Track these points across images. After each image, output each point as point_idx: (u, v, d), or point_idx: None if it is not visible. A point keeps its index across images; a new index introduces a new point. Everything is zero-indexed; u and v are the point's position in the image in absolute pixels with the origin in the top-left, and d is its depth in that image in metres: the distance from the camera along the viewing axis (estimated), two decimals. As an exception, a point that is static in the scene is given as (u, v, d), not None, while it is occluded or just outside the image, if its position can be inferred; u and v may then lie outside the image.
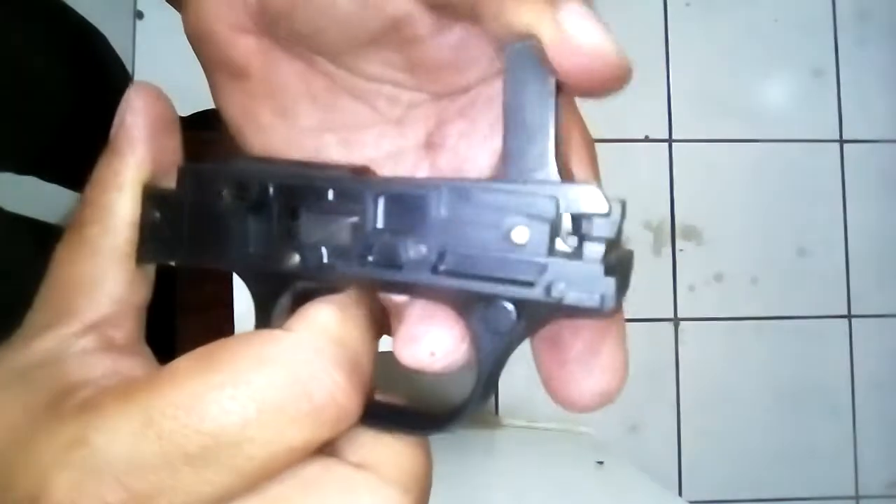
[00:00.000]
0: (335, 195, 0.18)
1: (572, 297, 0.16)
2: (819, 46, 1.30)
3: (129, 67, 0.96)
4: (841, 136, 1.29)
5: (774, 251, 1.27)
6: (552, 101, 0.17)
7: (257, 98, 0.22)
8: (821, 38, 1.30)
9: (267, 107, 0.22)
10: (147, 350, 0.21)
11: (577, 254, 0.16)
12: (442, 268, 0.17)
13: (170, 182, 0.21)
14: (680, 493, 1.21)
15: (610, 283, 0.16)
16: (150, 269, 0.21)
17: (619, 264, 0.16)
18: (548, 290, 0.16)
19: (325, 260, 0.18)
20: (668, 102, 1.27)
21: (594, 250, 0.16)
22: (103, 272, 0.19)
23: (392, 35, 0.19)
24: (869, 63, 1.30)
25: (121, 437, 0.16)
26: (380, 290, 0.19)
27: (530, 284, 0.16)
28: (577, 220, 0.16)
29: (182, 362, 0.17)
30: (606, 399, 0.18)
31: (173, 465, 0.15)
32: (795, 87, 1.31)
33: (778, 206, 1.27)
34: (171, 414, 0.16)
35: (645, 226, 1.25)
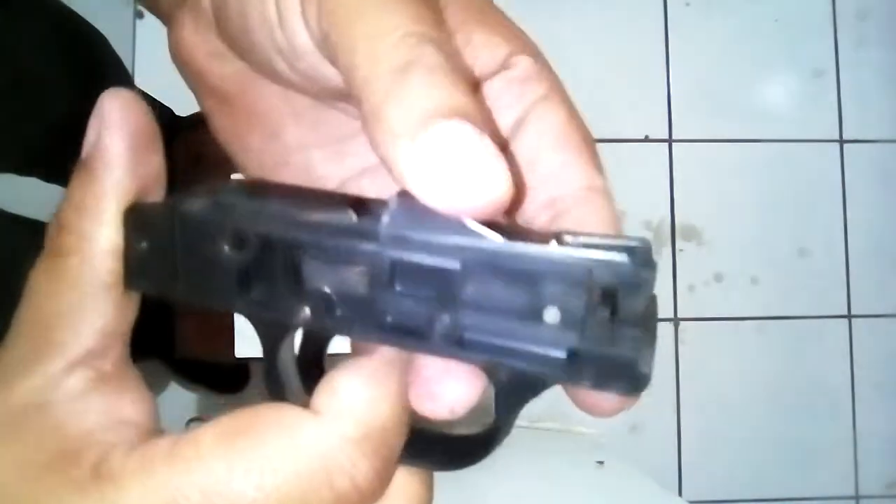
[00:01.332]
0: (345, 251, 0.16)
1: (604, 384, 0.15)
2: (819, 46, 1.30)
3: (129, 67, 0.96)
4: (841, 136, 1.29)
5: (774, 251, 1.27)
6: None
7: (242, 121, 0.22)
8: (821, 38, 1.30)
9: (253, 128, 0.22)
10: (134, 372, 0.19)
11: (609, 338, 0.15)
12: (468, 338, 0.16)
13: (155, 197, 0.19)
14: (680, 493, 1.21)
15: (642, 378, 0.15)
16: (136, 293, 0.20)
17: (649, 337, 0.15)
18: (579, 373, 0.15)
19: (339, 313, 0.17)
20: (668, 102, 1.27)
21: (628, 336, 0.15)
22: (87, 304, 0.18)
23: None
24: (869, 63, 1.30)
25: None
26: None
27: (562, 364, 0.15)
28: (608, 290, 0.15)
29: (207, 436, 0.16)
30: (630, 403, 0.18)
31: None
32: (795, 87, 1.31)
33: (778, 206, 1.27)
34: (195, 498, 0.15)
35: (645, 226, 1.25)
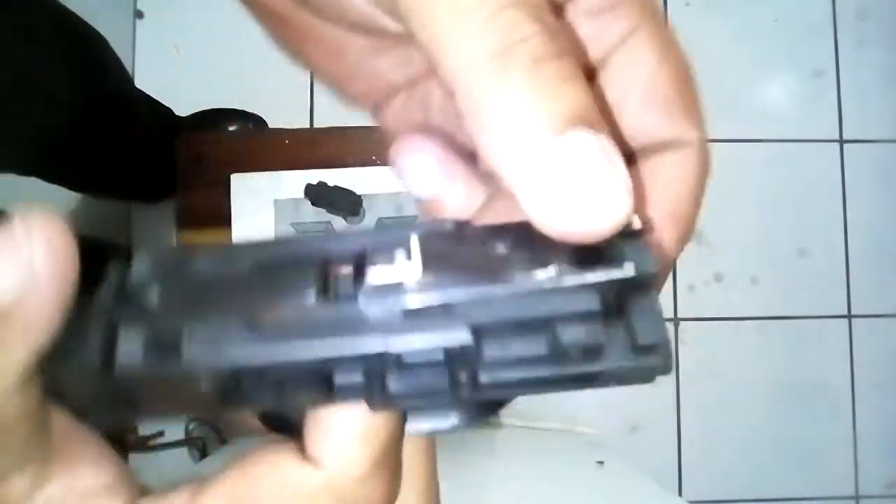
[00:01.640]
0: (333, 356, 0.15)
1: (628, 383, 0.15)
2: (819, 46, 1.30)
3: (129, 67, 0.96)
4: (841, 136, 1.29)
5: (774, 251, 1.27)
6: None
7: (302, 41, 0.21)
8: (821, 38, 1.30)
9: (315, 48, 0.21)
10: (69, 426, 0.16)
11: (630, 349, 0.15)
12: (493, 383, 0.15)
13: None
14: (680, 493, 1.21)
15: (664, 370, 0.15)
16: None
17: (663, 332, 0.15)
18: (604, 384, 0.15)
19: (338, 382, 0.15)
20: (668, 102, 1.27)
21: (646, 341, 0.15)
22: (22, 448, 0.15)
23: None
24: (869, 63, 1.30)
25: None
26: None
27: (588, 383, 0.15)
28: (620, 299, 0.15)
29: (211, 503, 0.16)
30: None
31: None
32: (795, 87, 1.31)
33: (778, 206, 1.27)
34: None
35: (645, 226, 1.25)
